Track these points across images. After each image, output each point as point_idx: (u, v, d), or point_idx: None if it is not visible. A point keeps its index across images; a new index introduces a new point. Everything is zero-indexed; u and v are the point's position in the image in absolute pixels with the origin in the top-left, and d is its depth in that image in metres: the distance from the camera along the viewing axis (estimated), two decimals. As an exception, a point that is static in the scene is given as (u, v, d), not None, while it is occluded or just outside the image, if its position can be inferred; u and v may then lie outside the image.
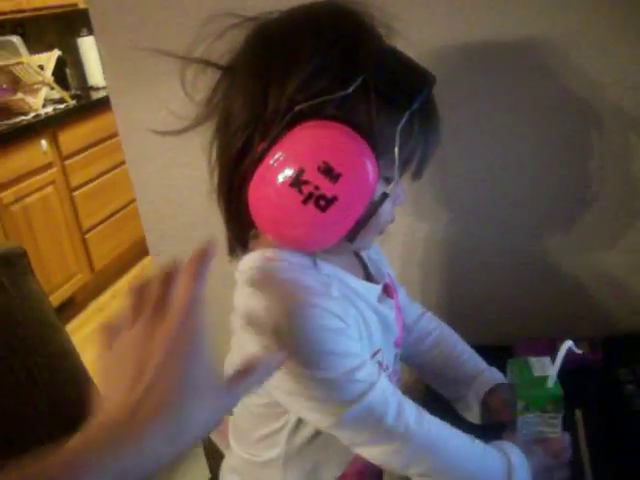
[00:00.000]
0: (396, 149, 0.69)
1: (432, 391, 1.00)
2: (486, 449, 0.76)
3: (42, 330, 1.15)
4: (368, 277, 0.88)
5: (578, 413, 0.96)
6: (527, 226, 1.17)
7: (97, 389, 1.08)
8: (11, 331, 1.09)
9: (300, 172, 0.67)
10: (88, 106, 3.66)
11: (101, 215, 3.70)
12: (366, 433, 0.73)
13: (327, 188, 0.67)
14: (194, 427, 0.55)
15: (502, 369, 1.08)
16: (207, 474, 1.05)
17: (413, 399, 0.77)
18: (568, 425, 0.93)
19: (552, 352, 1.08)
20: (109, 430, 0.53)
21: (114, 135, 3.55)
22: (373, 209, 0.72)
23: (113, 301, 3.69)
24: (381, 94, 0.68)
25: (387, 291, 0.88)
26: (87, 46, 4.05)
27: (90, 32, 3.98)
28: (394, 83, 0.69)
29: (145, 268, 3.91)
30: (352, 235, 0.73)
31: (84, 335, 3.19)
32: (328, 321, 0.72)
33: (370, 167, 0.68)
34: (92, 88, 4.06)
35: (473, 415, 0.93)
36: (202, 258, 0.59)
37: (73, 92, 3.82)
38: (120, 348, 0.60)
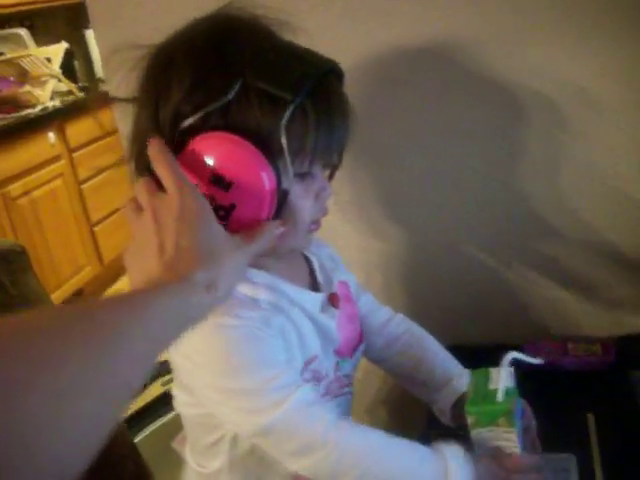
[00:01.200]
0: (283, 143, 0.68)
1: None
2: (424, 456, 0.73)
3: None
4: (314, 285, 0.87)
5: (590, 417, 0.93)
6: (536, 223, 1.14)
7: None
8: (11, 330, 1.07)
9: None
10: (95, 98, 3.64)
11: (109, 208, 3.68)
12: (287, 443, 0.73)
13: (222, 198, 0.68)
14: (224, 277, 0.60)
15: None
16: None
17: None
18: (579, 429, 0.91)
19: (562, 353, 1.06)
20: (154, 284, 0.57)
21: (122, 128, 3.57)
22: (279, 208, 0.71)
23: (122, 294, 3.68)
24: (262, 93, 0.68)
25: (332, 300, 0.86)
26: (94, 38, 4.03)
27: (98, 24, 3.97)
28: (273, 79, 0.68)
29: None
30: (279, 249, 0.75)
31: (93, 329, 3.20)
32: (244, 331, 0.73)
33: (260, 169, 0.67)
34: (100, 80, 4.04)
35: (446, 419, 0.91)
36: (157, 148, 0.66)
37: (81, 84, 3.80)
38: (136, 231, 0.66)
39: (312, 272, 0.87)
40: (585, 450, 0.88)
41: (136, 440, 1.85)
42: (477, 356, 0.93)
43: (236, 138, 0.67)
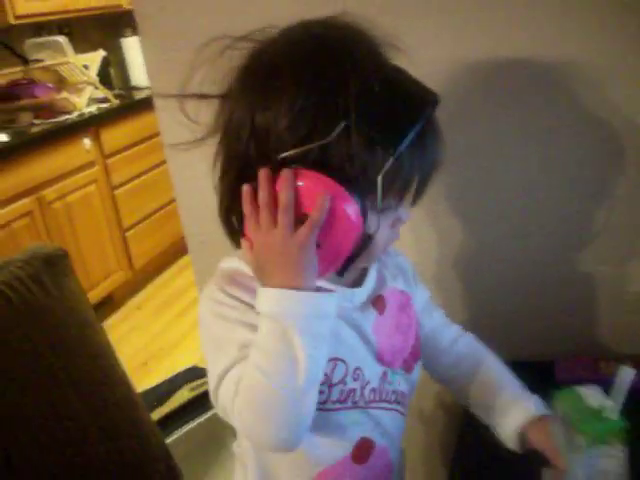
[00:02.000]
0: (378, 192, 0.70)
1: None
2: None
3: (82, 331, 1.17)
4: (356, 283, 0.86)
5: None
6: (567, 242, 1.15)
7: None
8: (52, 331, 1.11)
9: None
10: (131, 106, 3.71)
11: (141, 213, 3.74)
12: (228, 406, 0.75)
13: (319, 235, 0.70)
14: None
15: (542, 387, 1.07)
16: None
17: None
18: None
19: (593, 371, 1.06)
20: None
21: (155, 135, 3.60)
22: (363, 245, 0.74)
23: (151, 299, 3.73)
24: (364, 137, 0.68)
25: (375, 301, 0.86)
26: (130, 46, 4.11)
27: (134, 33, 4.04)
28: (378, 125, 0.68)
29: (183, 267, 3.95)
30: (342, 269, 0.76)
31: (122, 332, 3.24)
32: (224, 309, 0.76)
33: (349, 212, 0.70)
34: (135, 88, 4.12)
35: (513, 444, 0.90)
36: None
37: (116, 92, 3.88)
38: None
39: (364, 274, 0.87)
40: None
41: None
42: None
43: (331, 182, 0.69)
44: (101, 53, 3.61)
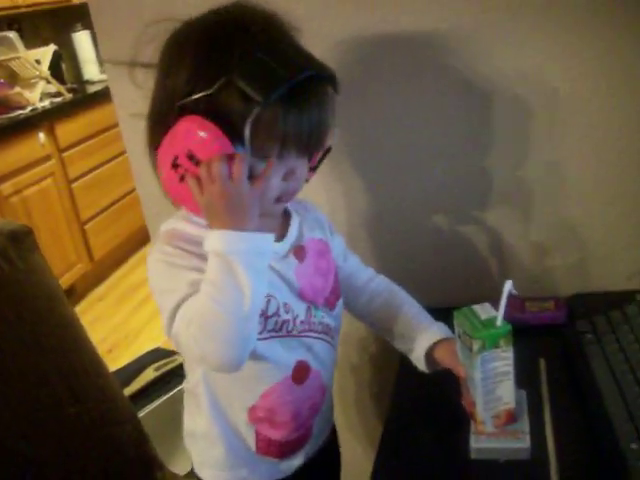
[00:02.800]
0: (246, 135, 0.81)
1: (405, 365, 1.09)
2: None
3: (49, 302, 1.23)
4: (282, 237, 0.98)
5: (542, 362, 1.05)
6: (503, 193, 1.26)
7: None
8: (20, 302, 1.17)
9: (175, 158, 0.83)
10: (84, 99, 3.74)
11: (99, 206, 3.78)
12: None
13: (194, 170, 0.82)
14: None
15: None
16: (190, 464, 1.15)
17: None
18: (532, 371, 1.03)
19: (521, 310, 1.18)
20: None
21: (110, 127, 3.68)
22: None
23: (112, 290, 3.77)
24: (239, 91, 0.80)
25: (295, 251, 0.98)
26: (82, 41, 4.13)
27: (85, 27, 4.06)
28: (251, 80, 0.80)
29: (143, 258, 3.99)
30: None
31: (85, 323, 3.25)
32: (171, 258, 0.88)
33: (224, 152, 0.82)
34: (87, 82, 4.14)
35: (421, 365, 1.03)
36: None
37: (69, 86, 3.89)
38: None
39: (286, 227, 0.99)
40: (536, 388, 1.00)
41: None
42: (441, 315, 1.05)
43: (211, 125, 0.81)
44: (52, 48, 3.63)
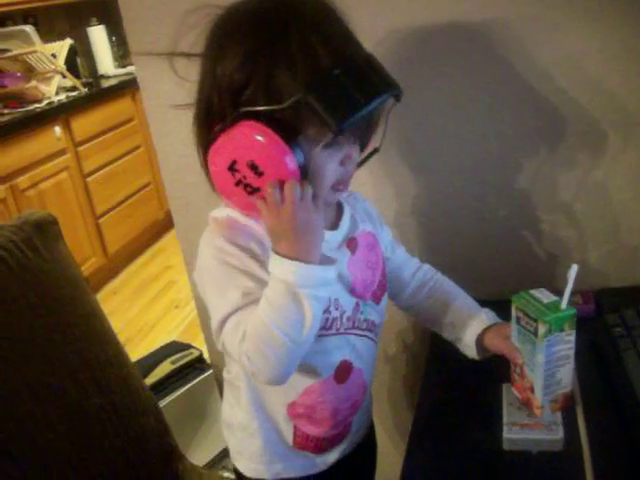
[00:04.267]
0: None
1: (437, 340, 1.08)
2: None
3: (74, 292, 1.24)
4: (333, 226, 0.96)
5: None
6: (521, 184, 1.26)
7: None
8: (47, 291, 1.17)
9: (233, 162, 0.81)
10: (99, 94, 3.75)
11: (114, 200, 3.79)
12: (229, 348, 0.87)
13: (253, 179, 0.81)
14: None
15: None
16: (223, 443, 1.14)
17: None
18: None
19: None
20: None
21: (125, 122, 3.69)
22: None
23: (126, 284, 3.78)
24: (312, 111, 0.78)
25: (348, 243, 0.96)
26: (97, 35, 4.13)
27: (100, 22, 4.07)
28: (325, 105, 0.77)
29: (157, 253, 4.00)
30: None
31: (100, 316, 3.27)
32: (225, 256, 0.86)
33: (289, 168, 0.80)
34: (102, 76, 4.15)
35: (471, 352, 1.02)
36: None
37: (84, 80, 3.90)
38: None
39: (340, 218, 0.97)
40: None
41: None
42: (490, 306, 1.05)
43: (279, 140, 0.79)
44: (68, 42, 3.63)
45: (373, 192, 1.28)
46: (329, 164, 0.85)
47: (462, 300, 1.06)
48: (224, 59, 0.82)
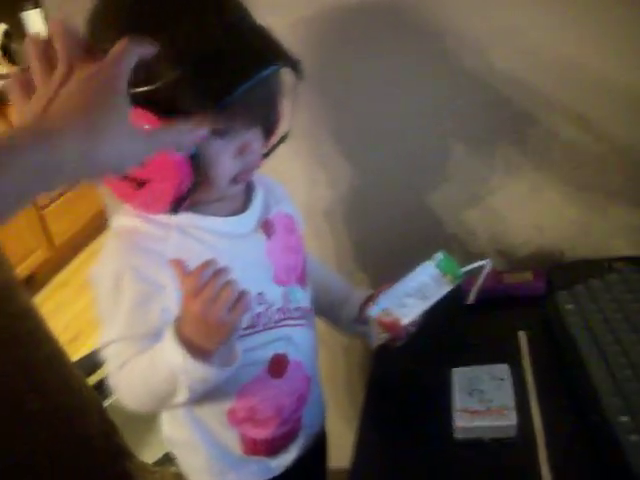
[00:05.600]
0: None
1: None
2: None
3: (4, 292, 1.17)
4: (243, 208, 0.91)
5: (521, 334, 1.02)
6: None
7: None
8: (-28, 292, 1.11)
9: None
10: (37, 80, 3.61)
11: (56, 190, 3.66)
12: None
13: (137, 171, 0.74)
14: (105, 152, 0.58)
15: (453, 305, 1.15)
16: (165, 448, 1.10)
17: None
18: (513, 344, 1.00)
19: (498, 283, 1.14)
20: (20, 129, 0.57)
21: (66, 107, 3.55)
22: (198, 176, 0.76)
23: (76, 275, 3.68)
24: (190, 91, 0.71)
25: (264, 227, 0.91)
26: (33, 20, 3.98)
27: (35, 5, 3.91)
28: (202, 81, 0.70)
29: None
30: (177, 205, 0.78)
31: (48, 310, 3.19)
32: (120, 282, 0.82)
33: (174, 158, 0.73)
34: (40, 62, 4.00)
35: (355, 323, 1.03)
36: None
37: (22, 67, 3.75)
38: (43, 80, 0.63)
39: (250, 199, 0.91)
40: (517, 362, 0.96)
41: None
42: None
43: (155, 121, 0.70)
44: (2, 27, 3.49)
45: (303, 178, 1.24)
46: (223, 154, 0.78)
47: (337, 284, 1.08)
48: (101, 39, 0.72)
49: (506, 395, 0.88)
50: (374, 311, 0.91)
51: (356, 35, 1.14)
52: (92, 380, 2.00)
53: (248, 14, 0.78)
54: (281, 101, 0.83)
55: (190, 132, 0.67)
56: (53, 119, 0.57)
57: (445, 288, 0.91)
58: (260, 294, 0.87)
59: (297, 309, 0.93)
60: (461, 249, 1.27)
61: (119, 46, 0.62)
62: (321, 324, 1.39)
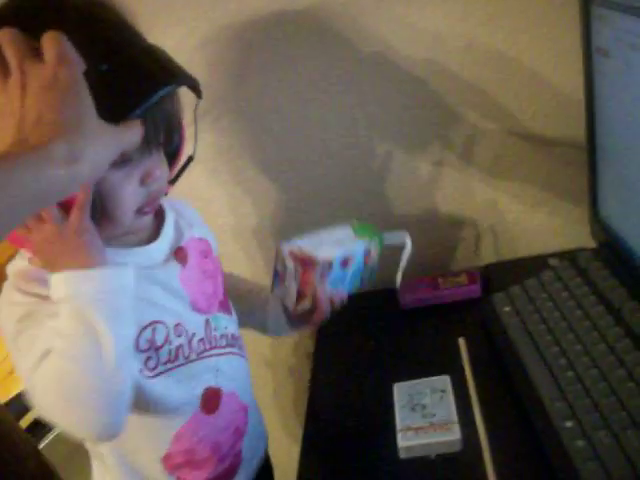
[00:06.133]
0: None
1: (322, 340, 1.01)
2: None
3: None
4: (154, 236, 0.85)
5: (461, 341, 0.99)
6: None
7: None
8: None
9: None
10: None
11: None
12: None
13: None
14: (89, 152, 0.56)
15: (388, 312, 1.12)
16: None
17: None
18: (452, 353, 0.97)
19: (434, 288, 1.12)
20: (6, 155, 0.53)
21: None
22: (98, 209, 0.71)
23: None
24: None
25: (177, 254, 0.85)
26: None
27: None
28: (100, 97, 0.62)
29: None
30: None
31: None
32: (24, 309, 0.71)
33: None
34: None
35: (284, 327, 0.98)
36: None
37: None
38: None
39: (160, 226, 0.86)
40: (459, 371, 0.94)
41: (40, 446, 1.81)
42: (352, 302, 0.98)
43: None
44: None
45: (226, 198, 1.21)
46: (125, 186, 0.72)
47: (251, 287, 1.04)
48: None
49: (448, 408, 0.86)
50: (286, 245, 0.87)
51: (264, 50, 1.10)
52: (30, 418, 1.94)
53: (139, 35, 0.73)
54: (181, 123, 0.79)
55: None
56: (35, 135, 0.56)
57: (361, 244, 0.88)
58: (178, 325, 0.81)
59: (223, 337, 0.88)
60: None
61: (56, 44, 0.59)
62: (264, 347, 1.36)
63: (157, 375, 0.78)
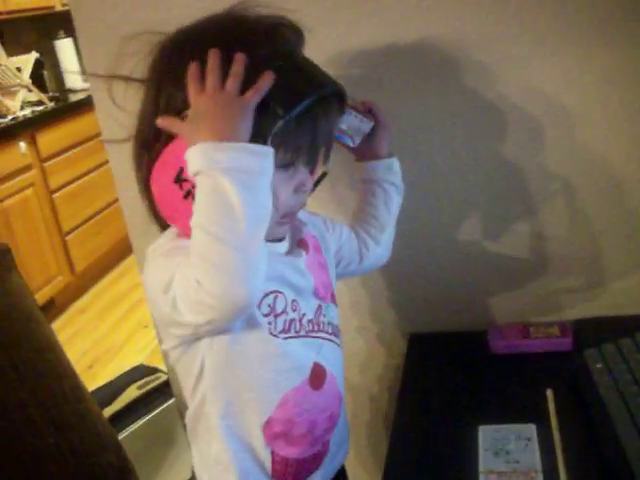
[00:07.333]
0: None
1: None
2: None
3: (27, 325, 1.17)
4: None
5: (549, 392, 0.99)
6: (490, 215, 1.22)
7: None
8: (-2, 327, 1.11)
9: (180, 171, 0.75)
10: (66, 108, 3.67)
11: (81, 217, 3.70)
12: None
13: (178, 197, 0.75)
14: None
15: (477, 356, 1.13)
16: (189, 473, 1.07)
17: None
18: (540, 403, 0.98)
19: (525, 337, 1.13)
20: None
21: (93, 137, 3.60)
22: None
23: (94, 303, 3.69)
24: (262, 103, 0.75)
25: (300, 244, 0.93)
26: (64, 48, 4.06)
27: (67, 34, 3.99)
28: (275, 95, 0.75)
29: (126, 270, 3.92)
30: None
31: (66, 337, 3.20)
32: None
33: None
34: (70, 90, 4.07)
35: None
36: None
37: (51, 94, 3.82)
38: None
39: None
40: (544, 421, 0.94)
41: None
42: (440, 343, 1.00)
43: None
44: (34, 55, 3.56)
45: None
46: (284, 187, 0.81)
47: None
48: (169, 82, 0.79)
49: (533, 457, 0.87)
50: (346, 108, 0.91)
51: (387, 74, 1.15)
52: (108, 412, 2.02)
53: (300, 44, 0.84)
54: (333, 146, 0.88)
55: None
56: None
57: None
58: (294, 301, 0.87)
59: (329, 324, 0.94)
60: (488, 299, 1.26)
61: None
62: (348, 370, 1.38)
63: (274, 337, 0.84)
